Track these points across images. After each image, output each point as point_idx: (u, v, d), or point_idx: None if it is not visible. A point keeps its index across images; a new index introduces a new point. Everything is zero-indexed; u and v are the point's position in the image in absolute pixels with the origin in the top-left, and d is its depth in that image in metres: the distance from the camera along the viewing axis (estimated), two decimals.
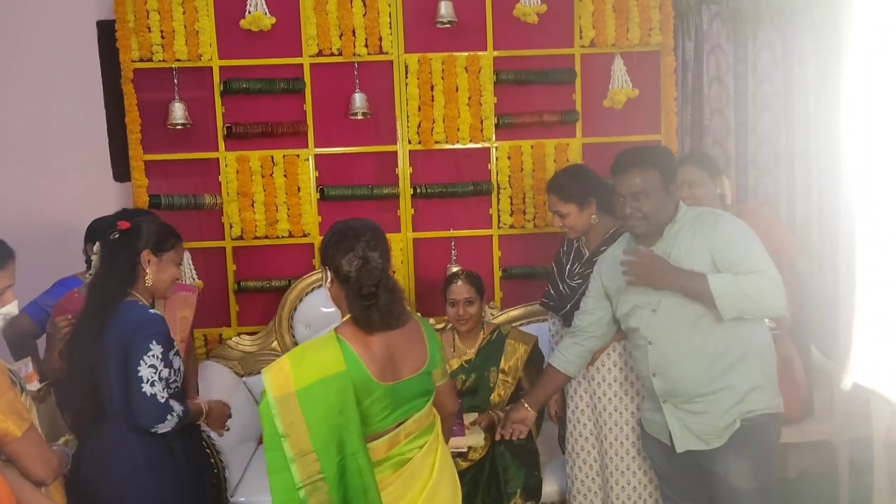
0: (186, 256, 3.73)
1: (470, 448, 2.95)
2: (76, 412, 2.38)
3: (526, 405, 2.77)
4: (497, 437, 2.82)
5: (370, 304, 1.95)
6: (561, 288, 2.99)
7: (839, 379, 3.46)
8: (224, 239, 3.78)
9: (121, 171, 3.81)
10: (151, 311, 2.34)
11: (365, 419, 1.95)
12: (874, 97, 4.01)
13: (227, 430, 2.68)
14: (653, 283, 2.38)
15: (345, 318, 2.03)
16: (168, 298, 2.74)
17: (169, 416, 2.28)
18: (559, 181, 2.93)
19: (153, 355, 2.25)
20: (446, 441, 2.27)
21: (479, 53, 3.77)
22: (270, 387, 1.91)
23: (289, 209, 3.75)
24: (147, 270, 2.35)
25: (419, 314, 2.36)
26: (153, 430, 2.27)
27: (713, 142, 3.99)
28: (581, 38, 3.81)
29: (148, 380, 2.23)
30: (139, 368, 2.23)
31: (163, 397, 2.26)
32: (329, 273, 2.04)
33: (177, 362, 2.37)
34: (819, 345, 3.88)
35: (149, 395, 2.23)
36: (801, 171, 4.03)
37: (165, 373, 2.29)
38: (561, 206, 2.87)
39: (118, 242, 2.35)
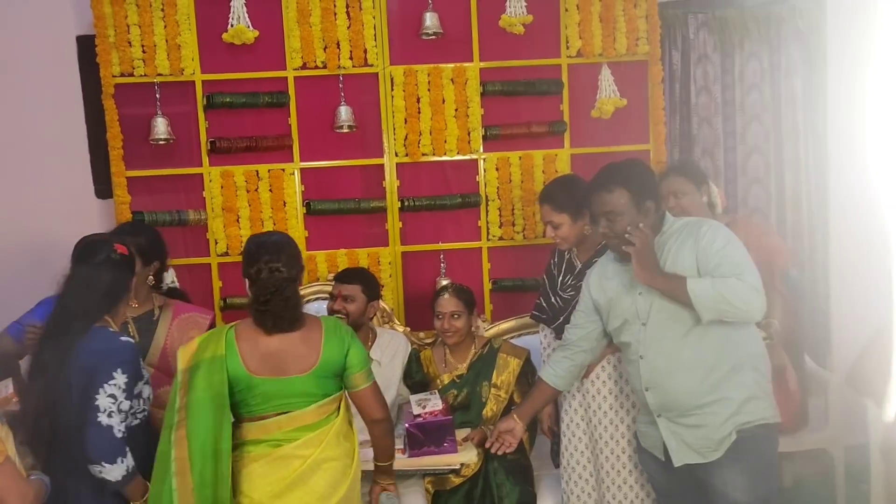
0: (171, 274, 3.67)
1: (462, 464, 2.89)
2: (33, 440, 2.19)
3: (515, 416, 2.73)
4: (487, 447, 2.77)
5: (264, 310, 2.25)
6: (553, 300, 2.95)
7: (833, 387, 3.45)
8: (209, 255, 3.71)
9: (103, 187, 3.75)
10: (122, 338, 2.25)
11: (241, 402, 2.28)
12: (860, 106, 4.04)
13: None
14: (642, 269, 2.33)
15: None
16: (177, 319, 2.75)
17: (120, 460, 2.17)
18: (552, 191, 2.90)
19: (115, 384, 2.17)
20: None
21: (466, 65, 3.74)
22: (180, 360, 2.27)
23: (275, 224, 3.69)
24: (130, 295, 2.34)
25: (342, 323, 2.51)
26: (98, 471, 2.15)
27: (702, 151, 3.98)
28: (568, 48, 3.79)
29: (105, 409, 2.15)
30: (97, 396, 2.15)
31: (119, 431, 2.17)
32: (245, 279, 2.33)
33: (146, 391, 2.28)
34: (812, 353, 3.87)
35: (104, 424, 2.15)
36: (790, 179, 4.03)
37: (126, 405, 2.20)
38: (554, 217, 2.84)
39: (118, 266, 2.29)
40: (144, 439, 2.36)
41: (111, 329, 2.26)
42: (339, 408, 2.39)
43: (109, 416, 2.15)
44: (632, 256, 2.34)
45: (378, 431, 2.46)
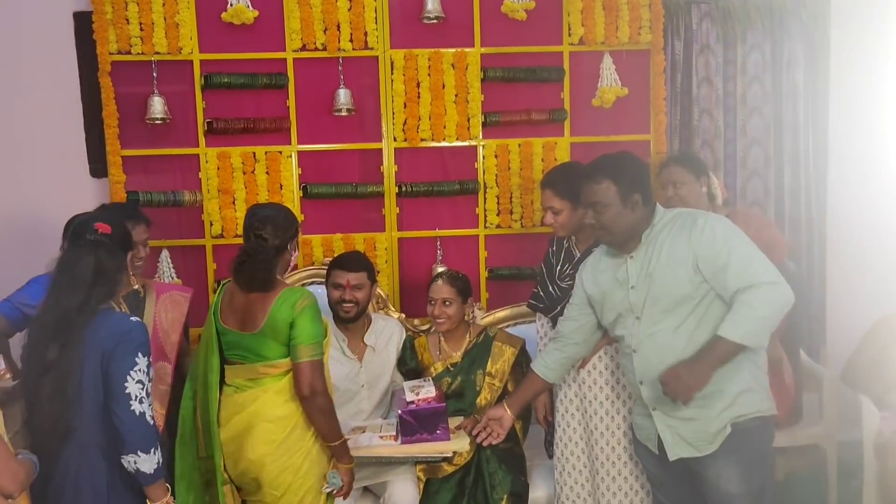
0: (165, 255, 3.64)
1: (455, 453, 2.88)
2: (42, 430, 2.14)
3: (505, 406, 2.73)
4: (474, 436, 2.77)
5: (239, 270, 2.49)
6: (551, 289, 2.93)
7: (828, 382, 3.44)
8: (204, 237, 3.68)
9: (98, 166, 3.71)
10: (133, 318, 2.20)
11: (222, 347, 2.58)
12: (862, 101, 4.02)
13: None
14: (696, 389, 2.26)
15: None
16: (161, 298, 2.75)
17: (153, 450, 2.11)
18: (556, 177, 2.88)
19: (139, 369, 2.11)
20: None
21: (467, 50, 3.71)
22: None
23: None
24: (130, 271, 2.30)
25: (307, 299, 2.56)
26: (133, 462, 2.09)
27: (702, 143, 3.96)
28: (570, 35, 3.76)
29: (136, 396, 2.09)
30: (126, 385, 2.08)
31: (150, 418, 2.12)
32: None
33: (151, 371, 2.22)
34: (806, 348, 3.87)
35: (138, 413, 2.09)
36: (790, 173, 4.01)
37: (150, 387, 2.15)
38: (556, 203, 2.81)
39: (111, 245, 2.21)
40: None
41: (117, 311, 2.23)
42: (285, 373, 2.51)
43: (140, 402, 2.09)
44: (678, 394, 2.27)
45: (308, 409, 2.49)
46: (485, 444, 2.75)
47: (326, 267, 3.60)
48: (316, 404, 2.47)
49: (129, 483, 2.16)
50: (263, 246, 2.47)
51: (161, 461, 2.15)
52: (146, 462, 2.10)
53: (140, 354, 2.12)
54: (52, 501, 2.14)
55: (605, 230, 2.41)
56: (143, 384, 2.12)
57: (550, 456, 3.03)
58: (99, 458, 2.14)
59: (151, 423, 2.13)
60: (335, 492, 2.58)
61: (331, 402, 2.53)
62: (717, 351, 2.26)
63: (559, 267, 2.93)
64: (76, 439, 2.13)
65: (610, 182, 2.38)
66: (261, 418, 2.50)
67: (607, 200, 2.38)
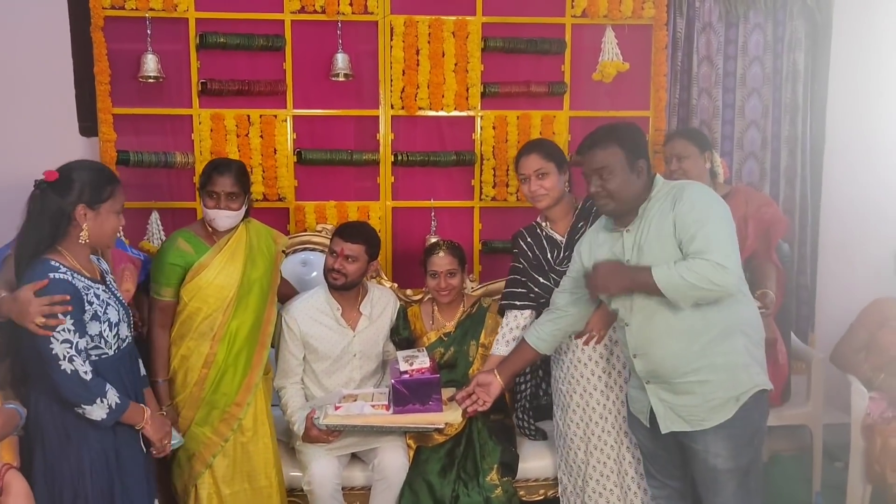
0: (154, 217, 3.57)
1: (447, 423, 2.87)
2: (8, 377, 2.20)
3: (495, 372, 2.72)
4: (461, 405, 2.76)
5: None
6: (544, 281, 2.86)
7: (816, 363, 3.46)
8: (195, 200, 3.60)
9: (88, 124, 3.62)
10: (56, 274, 2.09)
11: None
12: (862, 85, 4.01)
13: (165, 452, 2.45)
14: (608, 291, 2.38)
15: None
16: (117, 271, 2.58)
17: (99, 401, 2.11)
18: (539, 141, 2.90)
19: (64, 328, 2.06)
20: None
21: (468, 18, 3.65)
22: None
23: (264, 171, 3.60)
24: (83, 226, 2.14)
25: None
26: (82, 412, 2.11)
27: (700, 122, 3.93)
28: (573, 7, 3.71)
29: (65, 356, 2.06)
30: (52, 346, 2.05)
31: (86, 372, 2.09)
32: None
33: (94, 328, 2.15)
34: (795, 329, 3.89)
35: (69, 372, 2.07)
36: (786, 155, 4.01)
37: (83, 343, 2.10)
38: (542, 164, 2.77)
39: (45, 196, 2.13)
40: (128, 367, 2.33)
41: (52, 262, 2.11)
42: None
43: (71, 360, 2.07)
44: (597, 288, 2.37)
45: None
46: (469, 410, 2.73)
47: (318, 233, 3.58)
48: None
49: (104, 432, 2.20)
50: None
51: (114, 403, 2.16)
52: (94, 411, 2.12)
53: (60, 315, 2.04)
54: (29, 443, 2.17)
55: (610, 197, 2.37)
56: (71, 342, 2.07)
57: (537, 420, 3.08)
58: (58, 406, 2.15)
59: (88, 377, 2.09)
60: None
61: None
62: (639, 277, 2.29)
63: (547, 256, 2.87)
64: (34, 388, 2.15)
65: (617, 147, 2.36)
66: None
67: (614, 166, 2.35)
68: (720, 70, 3.95)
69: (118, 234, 2.83)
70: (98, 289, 2.20)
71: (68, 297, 2.07)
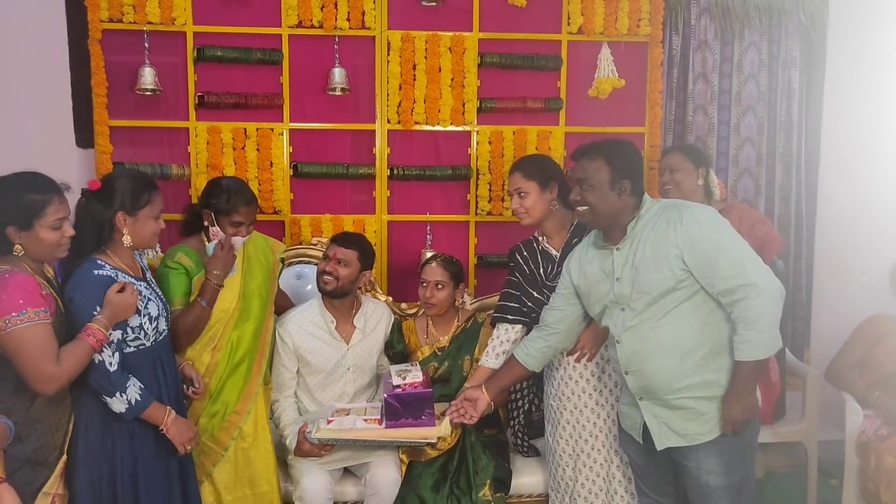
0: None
1: (440, 438, 2.85)
2: None
3: (483, 388, 2.71)
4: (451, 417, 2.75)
5: None
6: (537, 296, 2.86)
7: (811, 380, 3.45)
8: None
9: (84, 136, 3.62)
10: (96, 271, 2.28)
11: None
12: (856, 103, 4.03)
13: (187, 452, 2.50)
14: (750, 416, 2.32)
15: None
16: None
17: (119, 395, 2.26)
18: (523, 161, 2.91)
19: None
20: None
21: (465, 34, 3.67)
22: None
23: (260, 184, 3.61)
24: (124, 231, 2.35)
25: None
26: (106, 403, 2.28)
27: (695, 139, 3.94)
28: (569, 24, 3.74)
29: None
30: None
31: (111, 364, 2.24)
32: None
33: (135, 320, 2.33)
34: (790, 346, 3.89)
35: (96, 361, 2.23)
36: (781, 173, 4.02)
37: (117, 334, 2.28)
38: (522, 184, 2.79)
39: (89, 204, 2.35)
40: (165, 359, 2.48)
41: (98, 262, 2.31)
42: None
43: (101, 351, 2.22)
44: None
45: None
46: (454, 421, 2.73)
47: (314, 246, 3.58)
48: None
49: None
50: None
51: (134, 400, 2.29)
52: (114, 404, 2.28)
53: (99, 307, 2.23)
54: (74, 430, 2.30)
55: (588, 210, 2.39)
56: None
57: (531, 438, 3.07)
58: (87, 396, 2.31)
59: (112, 368, 2.25)
60: None
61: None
62: (745, 373, 2.27)
63: (541, 270, 2.87)
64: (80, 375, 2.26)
65: (603, 162, 2.37)
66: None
67: (596, 179, 2.36)
68: (715, 87, 3.97)
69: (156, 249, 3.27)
70: (140, 285, 2.38)
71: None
